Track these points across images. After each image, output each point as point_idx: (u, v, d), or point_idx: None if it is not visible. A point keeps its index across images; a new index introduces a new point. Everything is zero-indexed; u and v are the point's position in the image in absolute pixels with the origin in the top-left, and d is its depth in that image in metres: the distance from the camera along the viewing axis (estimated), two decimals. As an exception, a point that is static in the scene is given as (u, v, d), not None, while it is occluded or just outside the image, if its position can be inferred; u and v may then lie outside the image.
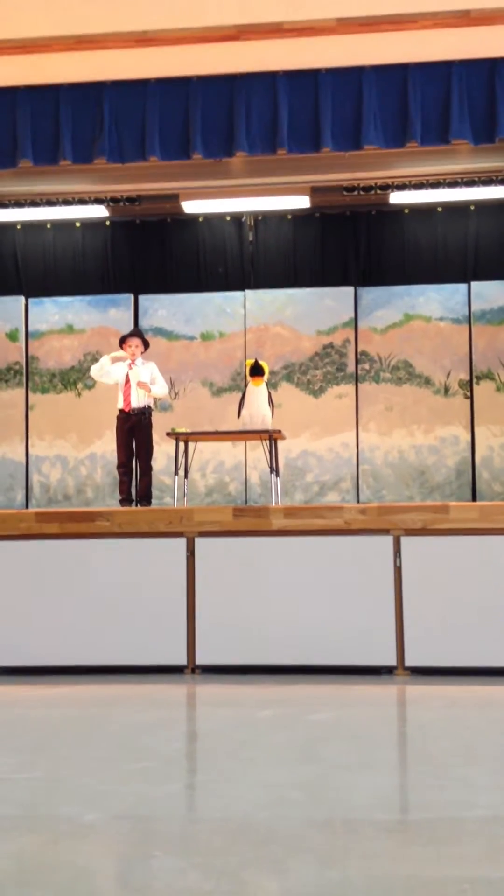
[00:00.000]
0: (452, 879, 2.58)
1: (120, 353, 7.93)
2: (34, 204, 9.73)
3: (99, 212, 10.00)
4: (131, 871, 2.75)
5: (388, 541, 5.90)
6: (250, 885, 2.62)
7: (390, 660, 5.78)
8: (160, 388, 7.94)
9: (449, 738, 4.32)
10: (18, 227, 10.46)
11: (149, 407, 7.90)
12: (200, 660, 5.88)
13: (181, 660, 5.88)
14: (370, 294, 10.12)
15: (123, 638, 5.91)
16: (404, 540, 5.89)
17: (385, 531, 5.92)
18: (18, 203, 9.72)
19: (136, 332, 8.18)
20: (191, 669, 5.88)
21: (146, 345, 8.05)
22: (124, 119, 7.36)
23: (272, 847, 2.86)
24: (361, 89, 7.27)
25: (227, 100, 7.38)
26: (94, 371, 7.97)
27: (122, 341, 8.00)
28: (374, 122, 7.27)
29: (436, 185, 9.39)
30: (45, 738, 4.43)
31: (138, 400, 7.81)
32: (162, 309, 10.27)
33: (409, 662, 5.76)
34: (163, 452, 9.11)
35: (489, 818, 3.14)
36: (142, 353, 7.94)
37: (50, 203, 9.72)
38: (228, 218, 10.44)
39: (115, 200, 9.83)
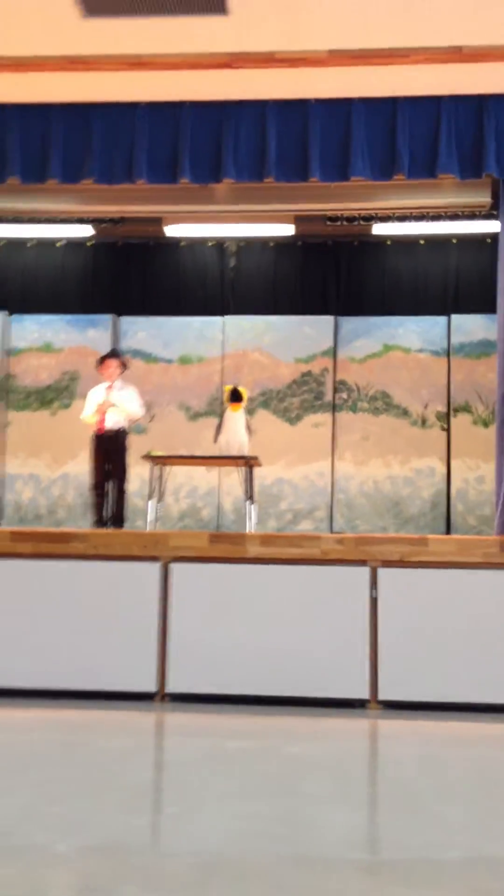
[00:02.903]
0: (433, 923, 2.54)
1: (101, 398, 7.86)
2: (17, 221, 9.69)
3: (82, 231, 9.98)
4: (105, 907, 2.68)
5: (364, 572, 5.87)
6: (227, 924, 2.57)
7: (363, 693, 5.73)
8: (134, 408, 7.85)
9: (424, 776, 4.28)
10: (1, 243, 10.41)
11: (123, 430, 7.86)
12: (171, 687, 5.80)
13: (151, 686, 5.80)
14: (350, 323, 10.16)
15: (94, 662, 5.83)
16: (381, 571, 5.86)
17: (362, 562, 5.89)
18: (2, 219, 9.68)
19: (114, 354, 8.16)
20: (161, 697, 5.81)
21: (124, 366, 8.03)
22: (114, 141, 7.37)
23: (247, 883, 2.81)
24: (351, 121, 7.33)
25: (216, 126, 7.41)
26: (86, 416, 7.92)
27: (100, 363, 7.97)
28: (362, 154, 7.32)
29: (419, 217, 9.46)
30: (12, 763, 4.34)
31: (114, 422, 7.77)
32: (141, 331, 10.26)
33: (382, 696, 5.72)
34: (136, 475, 9.06)
35: (467, 860, 3.10)
36: (120, 374, 7.91)
37: (33, 220, 9.68)
38: (211, 243, 10.46)
39: (98, 221, 9.81)
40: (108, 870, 2.95)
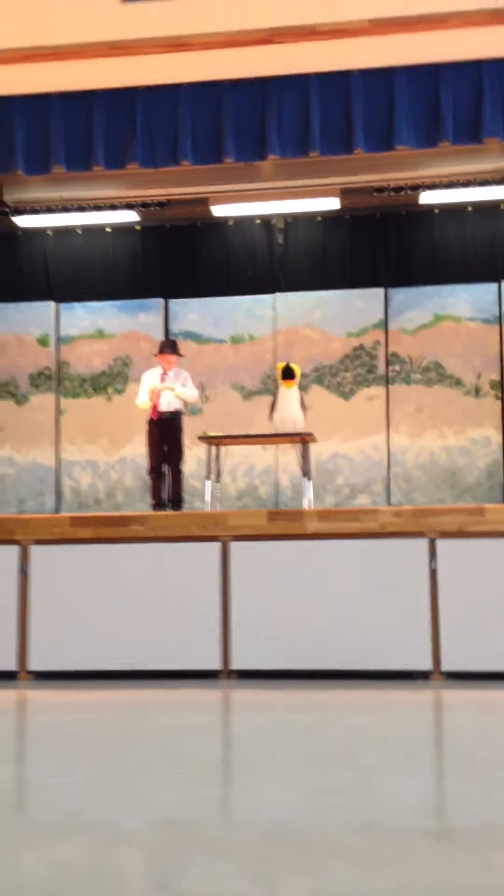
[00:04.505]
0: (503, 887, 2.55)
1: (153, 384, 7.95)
2: (65, 209, 9.75)
3: (129, 216, 10.02)
4: (175, 877, 2.73)
5: (423, 544, 5.86)
6: (297, 892, 2.60)
7: (426, 664, 5.74)
8: (189, 392, 7.93)
9: (489, 745, 4.28)
10: (49, 232, 10.50)
11: (178, 412, 7.91)
12: (235, 664, 5.86)
13: (216, 664, 5.87)
14: (400, 295, 10.09)
15: (158, 642, 5.91)
16: (440, 543, 5.85)
17: (420, 534, 5.89)
18: (49, 209, 9.75)
19: (174, 349, 8.13)
20: (226, 674, 5.87)
21: (181, 356, 8.12)
22: (157, 124, 7.38)
23: (316, 853, 2.84)
24: (393, 90, 7.25)
25: (259, 103, 7.38)
26: (140, 402, 7.99)
27: (159, 354, 8.06)
28: (407, 123, 7.24)
29: (466, 184, 9.35)
30: (82, 743, 4.43)
31: (168, 405, 7.83)
32: (192, 313, 10.28)
33: (445, 667, 5.72)
34: (193, 456, 9.11)
35: (535, 826, 3.10)
36: (175, 364, 8.00)
37: (80, 208, 9.74)
38: (258, 221, 10.44)
39: (144, 205, 9.84)
40: (179, 843, 3.00)
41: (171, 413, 7.83)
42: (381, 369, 9.96)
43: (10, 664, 6.03)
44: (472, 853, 2.84)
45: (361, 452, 9.90)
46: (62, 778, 3.77)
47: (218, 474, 8.03)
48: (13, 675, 6.00)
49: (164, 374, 7.90)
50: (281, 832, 3.08)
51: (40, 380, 10.28)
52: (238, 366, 10.16)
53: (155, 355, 8.13)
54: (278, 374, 8.11)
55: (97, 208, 9.77)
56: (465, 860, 2.78)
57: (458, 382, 9.86)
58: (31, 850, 2.96)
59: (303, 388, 9.24)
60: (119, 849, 2.96)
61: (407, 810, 3.29)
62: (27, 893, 2.58)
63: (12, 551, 6.12)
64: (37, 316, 10.36)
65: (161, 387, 7.81)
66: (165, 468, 7.89)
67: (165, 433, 7.84)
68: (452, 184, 9.41)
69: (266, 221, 10.46)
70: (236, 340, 10.20)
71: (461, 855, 2.83)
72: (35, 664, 6.01)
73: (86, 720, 4.92)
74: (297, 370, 8.02)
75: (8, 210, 9.68)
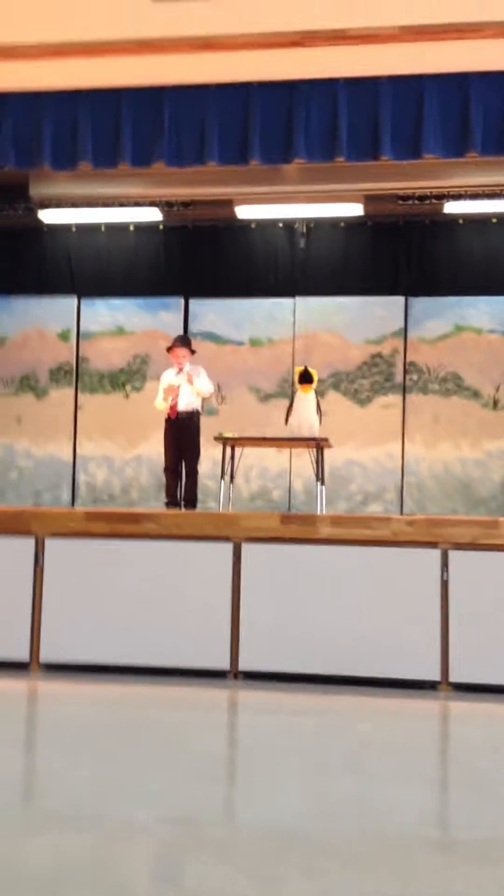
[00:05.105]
0: (507, 901, 2.54)
1: (171, 379, 7.98)
2: (89, 206, 9.79)
3: (153, 215, 10.04)
4: (182, 876, 2.74)
5: (435, 554, 5.85)
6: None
7: (434, 675, 5.72)
8: (203, 385, 7.93)
9: (495, 757, 4.27)
10: (73, 228, 10.53)
11: (196, 411, 7.92)
12: (243, 665, 5.86)
13: (224, 664, 5.87)
14: (420, 304, 10.07)
15: (168, 640, 5.91)
16: (452, 554, 5.83)
17: (433, 544, 5.87)
18: (74, 204, 9.79)
19: (184, 342, 8.18)
20: (233, 675, 5.87)
21: (192, 351, 8.10)
22: (184, 123, 7.38)
23: (323, 859, 2.84)
24: (422, 98, 7.23)
25: (286, 106, 7.37)
26: (158, 403, 8.03)
27: (169, 350, 8.06)
28: (434, 132, 7.22)
29: (492, 195, 9.33)
30: (91, 736, 4.44)
31: (185, 404, 7.84)
32: (211, 313, 10.30)
33: (453, 678, 5.70)
34: (207, 457, 9.11)
35: (541, 839, 3.09)
36: (189, 359, 8.00)
37: (105, 205, 9.77)
38: (281, 224, 10.44)
39: (169, 204, 9.86)
40: (184, 841, 3.00)
41: (188, 413, 7.84)
42: (398, 378, 9.95)
43: (23, 655, 6.04)
44: (478, 867, 2.83)
45: (375, 460, 9.89)
46: (71, 771, 3.78)
47: (232, 475, 8.04)
48: (25, 667, 6.01)
49: (179, 370, 7.90)
50: (285, 835, 3.08)
51: (60, 374, 10.32)
52: (255, 368, 10.17)
53: (167, 350, 8.14)
54: (296, 377, 8.11)
55: (122, 206, 9.81)
56: (470, 873, 2.77)
57: (475, 394, 9.84)
58: (37, 840, 2.97)
59: (319, 393, 9.24)
60: (125, 843, 2.96)
61: (411, 819, 3.29)
62: (33, 882, 2.59)
63: (28, 543, 6.13)
64: (59, 311, 10.40)
65: (177, 380, 7.81)
66: (181, 467, 7.90)
67: (182, 432, 7.84)
68: (478, 195, 9.40)
69: (289, 225, 10.47)
70: (255, 343, 10.21)
71: (461, 867, 2.82)
72: (47, 656, 6.02)
73: (95, 714, 4.93)
74: (315, 374, 8.02)
75: (34, 205, 9.72)
